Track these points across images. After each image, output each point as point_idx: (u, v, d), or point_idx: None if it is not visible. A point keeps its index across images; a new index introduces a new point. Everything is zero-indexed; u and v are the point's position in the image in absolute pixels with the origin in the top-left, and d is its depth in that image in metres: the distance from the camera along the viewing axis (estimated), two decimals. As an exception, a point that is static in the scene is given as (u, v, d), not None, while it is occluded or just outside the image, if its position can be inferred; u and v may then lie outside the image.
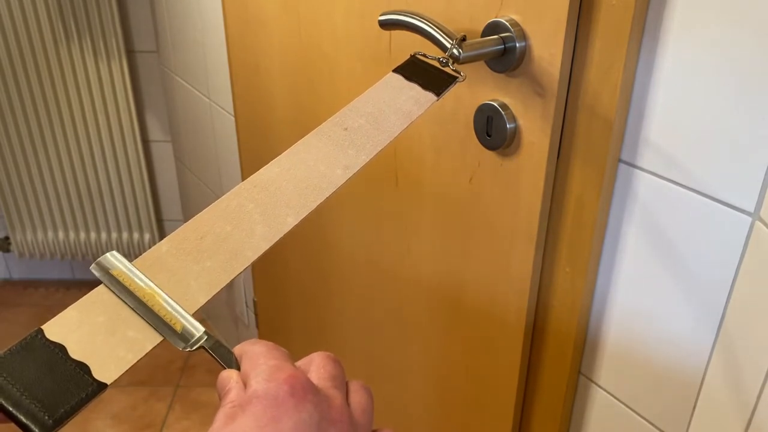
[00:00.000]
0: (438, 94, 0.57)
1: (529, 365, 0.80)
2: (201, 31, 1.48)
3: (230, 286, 1.76)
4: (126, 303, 0.39)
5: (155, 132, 1.99)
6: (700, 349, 0.61)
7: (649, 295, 0.65)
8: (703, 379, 0.62)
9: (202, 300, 0.41)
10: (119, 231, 2.05)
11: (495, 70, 0.67)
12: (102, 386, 0.36)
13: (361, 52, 0.88)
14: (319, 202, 0.47)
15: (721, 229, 0.56)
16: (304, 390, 0.35)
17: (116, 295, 0.40)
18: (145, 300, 0.40)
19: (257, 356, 0.37)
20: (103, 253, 0.42)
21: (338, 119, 0.53)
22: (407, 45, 0.79)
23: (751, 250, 0.54)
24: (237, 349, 0.39)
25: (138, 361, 0.38)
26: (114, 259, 0.41)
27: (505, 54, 0.65)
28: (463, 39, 0.61)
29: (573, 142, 0.65)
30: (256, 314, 1.62)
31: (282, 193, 0.47)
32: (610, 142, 0.61)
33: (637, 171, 0.62)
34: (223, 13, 1.27)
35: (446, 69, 0.59)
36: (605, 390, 0.73)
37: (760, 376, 0.53)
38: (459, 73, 0.59)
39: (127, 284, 0.40)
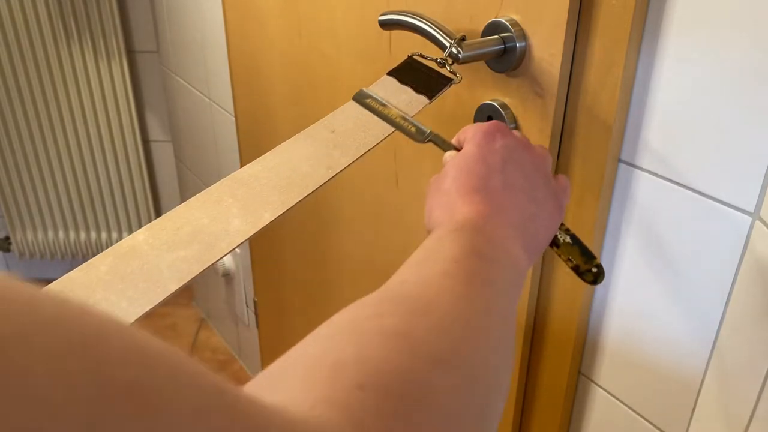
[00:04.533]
0: (431, 97, 0.57)
1: (529, 365, 0.80)
2: (201, 31, 1.48)
3: (230, 286, 1.76)
4: (380, 118, 0.56)
5: (155, 132, 1.99)
6: (700, 348, 0.61)
7: (649, 295, 0.65)
8: (703, 378, 0.62)
9: (173, 287, 0.42)
10: (119, 231, 2.05)
11: (495, 70, 0.67)
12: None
13: (361, 52, 0.88)
14: (298, 200, 0.49)
15: (721, 229, 0.56)
16: (508, 129, 0.51)
17: (371, 111, 0.57)
18: (391, 117, 0.56)
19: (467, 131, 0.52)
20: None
21: (327, 122, 0.55)
22: (407, 45, 0.79)
23: (751, 250, 0.54)
24: (454, 140, 0.54)
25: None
26: (368, 92, 0.58)
27: (505, 54, 0.65)
28: (463, 39, 0.61)
29: (573, 142, 0.65)
30: (256, 314, 1.62)
31: (262, 190, 0.49)
32: (610, 142, 0.61)
33: (637, 171, 0.62)
34: (223, 13, 1.27)
35: (443, 70, 0.60)
36: (605, 390, 0.73)
37: (760, 376, 0.53)
38: (455, 75, 0.59)
39: (378, 109, 0.57)
